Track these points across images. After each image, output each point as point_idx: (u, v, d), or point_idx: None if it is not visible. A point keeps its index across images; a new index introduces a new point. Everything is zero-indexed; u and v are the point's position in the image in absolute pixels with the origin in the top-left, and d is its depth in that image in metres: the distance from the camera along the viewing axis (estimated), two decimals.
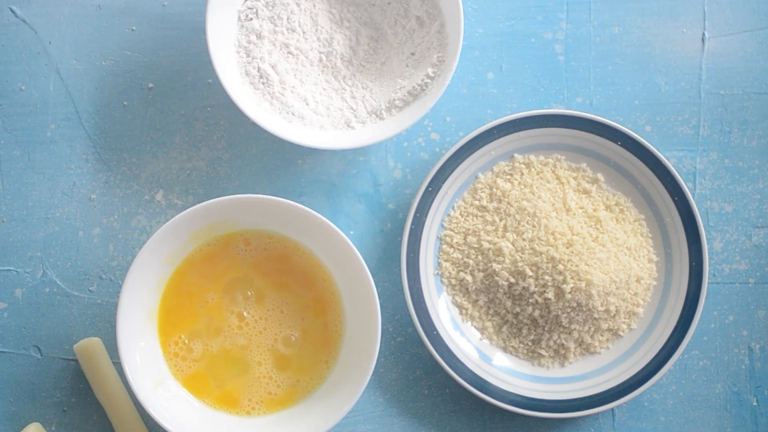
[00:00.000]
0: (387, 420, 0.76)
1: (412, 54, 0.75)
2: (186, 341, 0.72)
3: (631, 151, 0.75)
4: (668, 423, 0.77)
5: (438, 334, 0.74)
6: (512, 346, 0.75)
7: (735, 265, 0.78)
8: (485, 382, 0.73)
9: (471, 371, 0.73)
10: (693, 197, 0.75)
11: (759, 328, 0.78)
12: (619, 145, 0.75)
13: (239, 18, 0.74)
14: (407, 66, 0.75)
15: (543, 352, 0.75)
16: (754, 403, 0.77)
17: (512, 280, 0.73)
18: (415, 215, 0.74)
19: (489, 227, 0.75)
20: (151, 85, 0.78)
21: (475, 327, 0.76)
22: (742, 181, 0.79)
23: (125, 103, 0.78)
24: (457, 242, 0.76)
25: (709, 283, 0.77)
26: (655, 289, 0.76)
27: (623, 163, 0.76)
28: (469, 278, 0.75)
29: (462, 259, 0.75)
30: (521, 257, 0.73)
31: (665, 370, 0.74)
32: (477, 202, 0.76)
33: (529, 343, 0.75)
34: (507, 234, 0.74)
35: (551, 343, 0.75)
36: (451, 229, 0.76)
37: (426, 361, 0.76)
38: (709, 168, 0.79)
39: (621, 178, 0.76)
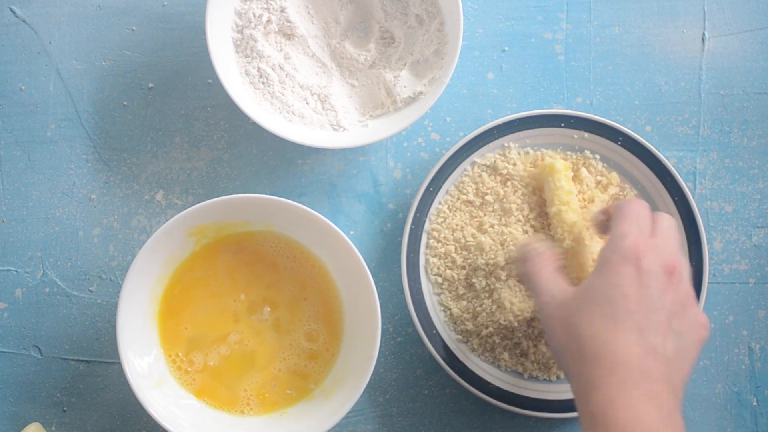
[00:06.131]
0: (387, 420, 0.76)
1: (412, 53, 0.75)
2: (185, 341, 0.72)
3: (631, 151, 0.75)
4: None
5: (438, 334, 0.74)
6: (502, 358, 0.74)
7: (735, 265, 0.78)
8: (485, 382, 0.73)
9: (471, 371, 0.73)
10: (693, 197, 0.75)
11: (759, 328, 0.78)
12: (619, 145, 0.75)
13: (239, 17, 0.74)
14: (406, 64, 0.75)
15: (529, 366, 0.74)
16: (754, 403, 0.77)
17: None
18: (415, 215, 0.74)
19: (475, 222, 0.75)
20: (151, 85, 0.78)
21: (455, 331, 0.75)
22: (742, 181, 0.79)
23: (125, 103, 0.78)
24: (444, 237, 0.75)
25: (709, 283, 0.77)
26: None
27: (623, 163, 0.76)
28: (454, 275, 0.74)
29: (448, 254, 0.75)
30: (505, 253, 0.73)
31: None
32: (464, 197, 0.75)
33: (516, 356, 0.74)
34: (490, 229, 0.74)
35: (539, 356, 0.74)
36: (438, 224, 0.75)
37: (426, 361, 0.76)
38: (709, 168, 0.79)
39: (621, 178, 0.76)
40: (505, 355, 0.73)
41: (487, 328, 0.73)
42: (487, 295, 0.73)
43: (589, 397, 0.53)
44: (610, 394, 0.52)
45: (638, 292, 0.56)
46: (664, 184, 0.75)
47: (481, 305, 0.73)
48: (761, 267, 0.78)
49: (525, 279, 0.66)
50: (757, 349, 0.77)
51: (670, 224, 0.63)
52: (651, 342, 0.54)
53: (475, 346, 0.74)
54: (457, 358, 0.74)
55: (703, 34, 0.80)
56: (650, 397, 0.52)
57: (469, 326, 0.74)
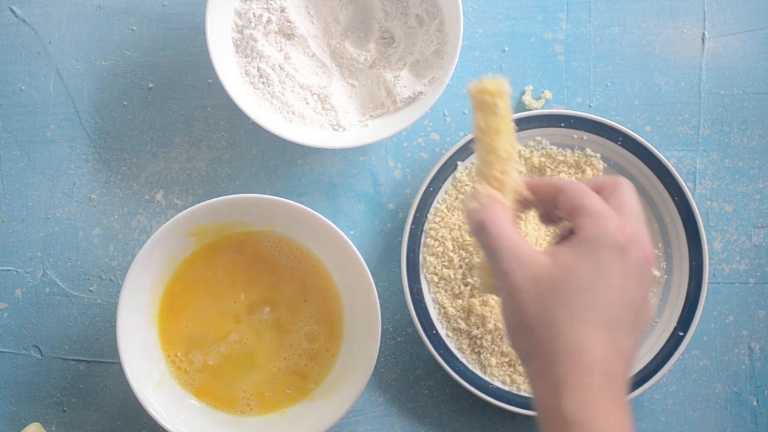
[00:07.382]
0: (387, 420, 0.76)
1: (412, 53, 0.75)
2: (185, 341, 0.72)
3: (631, 151, 0.75)
4: (668, 423, 0.77)
5: (438, 334, 0.74)
6: (488, 363, 0.74)
7: (735, 265, 0.78)
8: (485, 382, 0.73)
9: (471, 371, 0.73)
10: (693, 197, 0.75)
11: (759, 328, 0.78)
12: (619, 145, 0.75)
13: (239, 17, 0.74)
14: (406, 64, 0.75)
15: (518, 378, 0.73)
16: (754, 403, 0.77)
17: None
18: (415, 215, 0.74)
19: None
20: (151, 85, 0.78)
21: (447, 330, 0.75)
22: (742, 181, 0.79)
23: (125, 103, 0.78)
24: (442, 236, 0.75)
25: (709, 283, 0.77)
26: (655, 289, 0.76)
27: (623, 163, 0.76)
28: (450, 273, 0.74)
29: (445, 253, 0.75)
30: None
31: (665, 370, 0.73)
32: (462, 196, 0.75)
33: (504, 365, 0.74)
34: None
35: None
36: (436, 223, 0.75)
37: (426, 361, 0.76)
38: (709, 168, 0.79)
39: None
40: (492, 361, 0.73)
41: (478, 328, 0.73)
42: (479, 293, 0.73)
43: (561, 397, 0.48)
44: (586, 397, 0.48)
45: (621, 285, 0.51)
46: (664, 184, 0.75)
47: (474, 305, 0.73)
48: (761, 267, 0.78)
49: (477, 234, 0.54)
50: (757, 349, 0.77)
51: (633, 195, 0.55)
52: (620, 343, 0.50)
53: (464, 347, 0.74)
54: (457, 358, 0.74)
55: (703, 34, 0.80)
56: (619, 403, 0.49)
57: (462, 325, 0.74)
